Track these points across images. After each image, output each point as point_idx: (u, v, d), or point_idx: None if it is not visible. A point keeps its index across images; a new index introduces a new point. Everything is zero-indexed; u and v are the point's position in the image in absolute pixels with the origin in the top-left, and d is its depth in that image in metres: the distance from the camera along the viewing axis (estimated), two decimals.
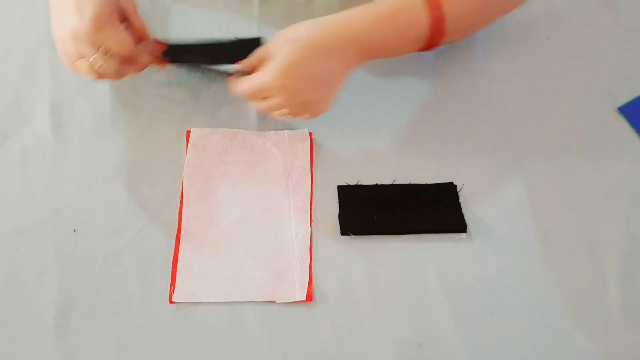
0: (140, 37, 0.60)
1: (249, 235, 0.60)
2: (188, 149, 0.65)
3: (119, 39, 0.56)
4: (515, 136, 0.66)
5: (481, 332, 0.55)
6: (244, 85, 0.58)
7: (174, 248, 0.59)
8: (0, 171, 0.64)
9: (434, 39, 0.59)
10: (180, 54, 0.64)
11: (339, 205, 0.61)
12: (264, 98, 0.58)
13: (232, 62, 0.62)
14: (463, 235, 0.59)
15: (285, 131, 0.66)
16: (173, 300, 0.56)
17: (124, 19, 0.59)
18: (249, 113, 0.68)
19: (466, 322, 0.55)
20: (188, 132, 0.66)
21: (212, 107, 0.68)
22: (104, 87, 0.69)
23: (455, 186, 0.62)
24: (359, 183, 0.63)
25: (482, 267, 0.58)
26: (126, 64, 0.59)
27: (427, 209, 0.60)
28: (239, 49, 0.60)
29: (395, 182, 0.63)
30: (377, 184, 0.62)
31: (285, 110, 0.58)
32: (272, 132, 0.66)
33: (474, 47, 0.71)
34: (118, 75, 0.59)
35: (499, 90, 0.69)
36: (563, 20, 0.70)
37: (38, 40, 0.73)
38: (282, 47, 0.55)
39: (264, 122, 0.66)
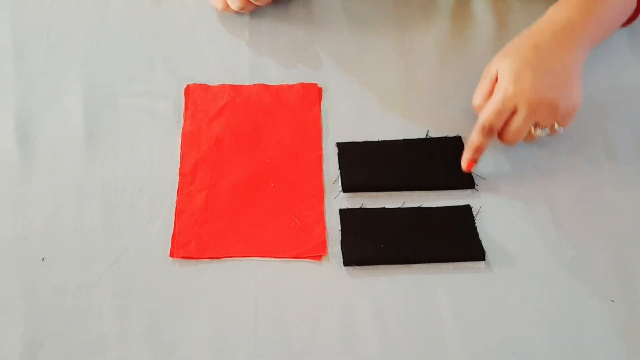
0: None
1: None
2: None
3: None
4: (537, 151, 0.64)
5: None
6: (483, 116, 0.59)
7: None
8: None
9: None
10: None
11: (342, 232, 0.59)
12: (507, 122, 0.58)
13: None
14: (481, 264, 0.57)
15: None
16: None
17: None
18: None
19: None
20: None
21: None
22: (76, 97, 0.68)
23: (472, 209, 0.60)
24: (363, 206, 0.60)
25: (503, 301, 0.56)
26: None
27: (440, 235, 0.59)
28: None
29: (405, 205, 0.60)
30: (383, 207, 0.60)
31: (537, 127, 0.59)
32: None
33: (477, 48, 0.71)
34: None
35: None
36: None
37: (1, 49, 0.72)
38: (503, 61, 0.59)
39: None
